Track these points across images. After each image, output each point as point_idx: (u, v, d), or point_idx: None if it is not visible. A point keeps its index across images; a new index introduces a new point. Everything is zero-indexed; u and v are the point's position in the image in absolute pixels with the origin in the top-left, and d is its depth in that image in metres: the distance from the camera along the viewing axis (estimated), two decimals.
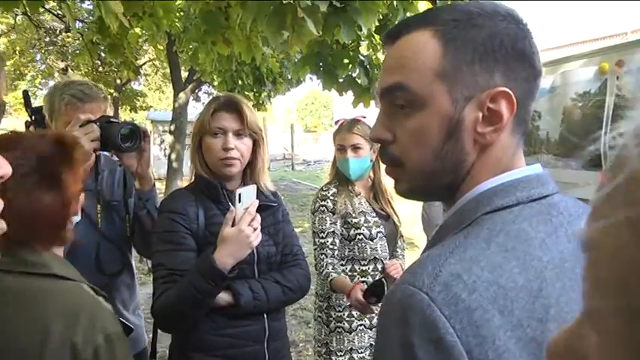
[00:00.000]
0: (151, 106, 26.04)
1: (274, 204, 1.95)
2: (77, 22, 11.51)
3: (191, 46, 4.27)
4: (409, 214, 3.06)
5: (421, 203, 3.22)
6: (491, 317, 0.62)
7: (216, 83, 7.43)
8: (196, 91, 13.11)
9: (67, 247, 1.75)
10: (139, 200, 2.04)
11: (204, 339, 1.75)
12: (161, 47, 3.30)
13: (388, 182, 2.98)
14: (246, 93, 8.08)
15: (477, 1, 0.80)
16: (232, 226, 1.67)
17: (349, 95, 3.97)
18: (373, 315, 2.64)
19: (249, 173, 1.93)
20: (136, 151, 1.94)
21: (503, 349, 0.61)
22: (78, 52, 12.92)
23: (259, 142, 1.91)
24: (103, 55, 8.23)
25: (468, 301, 0.62)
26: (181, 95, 11.42)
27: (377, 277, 2.62)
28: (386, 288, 2.43)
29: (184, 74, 11.97)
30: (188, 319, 1.70)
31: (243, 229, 1.66)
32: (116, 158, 2.14)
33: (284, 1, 1.81)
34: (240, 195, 1.69)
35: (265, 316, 1.82)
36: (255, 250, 1.76)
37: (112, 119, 1.93)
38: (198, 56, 3.61)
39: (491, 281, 0.64)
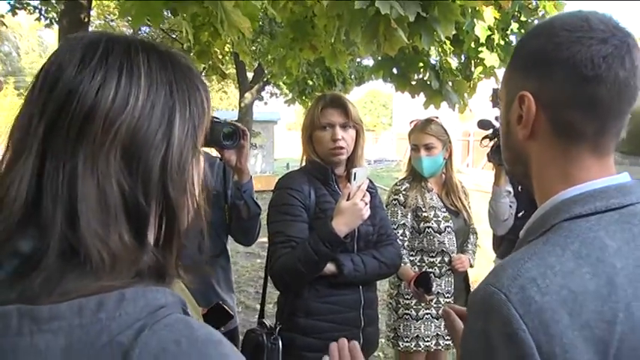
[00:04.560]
0: (212, 107, 26.75)
1: (372, 189, 2.21)
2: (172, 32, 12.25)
3: (273, 55, 4.57)
4: (474, 212, 3.22)
5: (487, 201, 3.34)
6: (560, 318, 0.70)
7: (285, 85, 7.76)
8: (260, 91, 13.53)
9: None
10: (237, 191, 2.25)
11: (309, 305, 2.03)
12: (247, 53, 3.63)
13: (461, 179, 3.17)
14: (316, 94, 8.41)
15: (584, 14, 0.85)
16: (347, 200, 1.94)
17: (409, 95, 4.14)
18: (438, 305, 2.84)
19: (351, 159, 2.20)
20: (236, 148, 2.13)
21: (569, 346, 0.69)
22: None
23: (360, 132, 2.20)
24: None
25: (540, 303, 0.71)
26: (247, 95, 11.83)
27: (423, 270, 2.81)
28: (431, 281, 2.66)
29: (250, 75, 12.38)
30: (303, 279, 1.97)
31: (357, 202, 1.93)
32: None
33: (382, 12, 2.06)
34: (355, 174, 1.97)
35: (361, 287, 2.09)
36: (356, 228, 2.03)
37: (214, 119, 2.11)
38: (287, 62, 3.92)
39: (562, 285, 0.72)
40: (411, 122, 3.14)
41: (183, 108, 0.71)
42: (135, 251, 0.65)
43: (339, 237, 1.91)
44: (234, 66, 11.75)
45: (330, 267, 2.00)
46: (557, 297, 0.71)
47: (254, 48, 8.16)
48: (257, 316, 2.33)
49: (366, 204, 1.97)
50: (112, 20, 15.07)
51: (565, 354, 0.69)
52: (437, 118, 3.04)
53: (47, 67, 0.67)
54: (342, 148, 2.11)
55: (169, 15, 2.64)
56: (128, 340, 0.58)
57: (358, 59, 8.36)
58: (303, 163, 2.26)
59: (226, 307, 1.90)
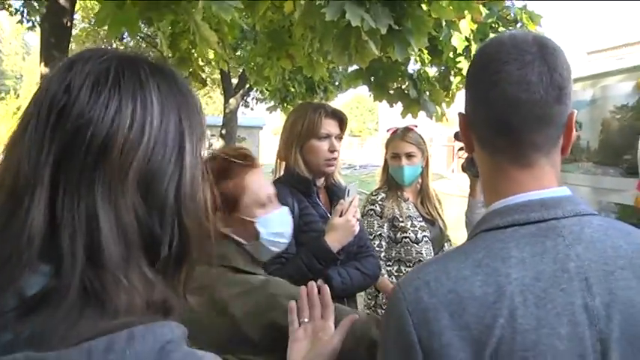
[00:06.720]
0: None
1: None
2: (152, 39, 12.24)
3: (254, 63, 4.61)
4: (454, 219, 3.23)
5: (465, 209, 3.35)
6: (441, 318, 0.78)
7: (267, 92, 7.79)
8: (245, 97, 13.51)
9: None
10: None
11: None
12: (226, 61, 3.61)
13: (436, 188, 3.18)
14: (298, 101, 8.42)
15: (522, 32, 0.91)
16: (340, 216, 1.94)
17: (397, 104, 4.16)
18: None
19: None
20: None
21: (446, 343, 0.77)
22: None
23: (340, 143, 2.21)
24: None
25: (427, 303, 0.79)
26: (232, 101, 11.81)
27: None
28: None
29: (234, 81, 12.35)
30: None
31: (350, 218, 1.93)
32: None
33: (352, 24, 2.07)
34: (348, 190, 1.99)
35: (345, 299, 2.05)
36: None
37: None
38: (265, 70, 3.92)
39: (451, 289, 0.79)
40: (388, 130, 3.11)
41: (190, 133, 0.69)
42: (151, 284, 0.63)
43: (334, 254, 1.91)
44: (219, 71, 11.73)
45: (318, 281, 1.98)
46: (444, 299, 0.79)
47: (238, 54, 8.15)
48: None
49: (358, 220, 1.98)
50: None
51: (441, 349, 0.77)
52: (416, 127, 3.04)
53: (53, 93, 0.63)
54: (336, 159, 2.12)
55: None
56: None
57: (342, 67, 8.40)
58: (281, 172, 2.21)
59: None
